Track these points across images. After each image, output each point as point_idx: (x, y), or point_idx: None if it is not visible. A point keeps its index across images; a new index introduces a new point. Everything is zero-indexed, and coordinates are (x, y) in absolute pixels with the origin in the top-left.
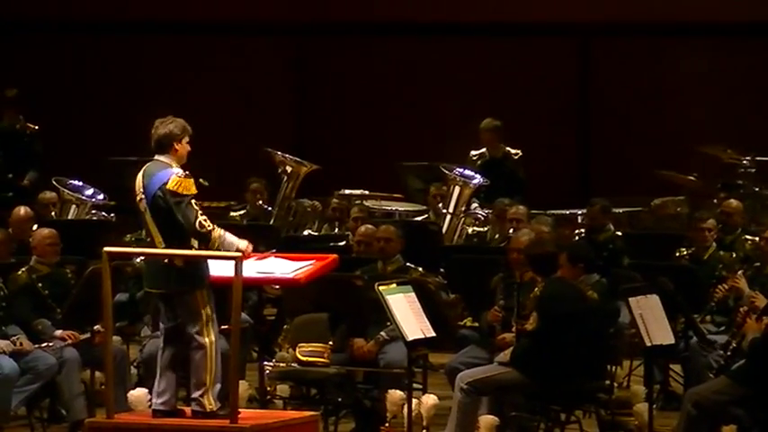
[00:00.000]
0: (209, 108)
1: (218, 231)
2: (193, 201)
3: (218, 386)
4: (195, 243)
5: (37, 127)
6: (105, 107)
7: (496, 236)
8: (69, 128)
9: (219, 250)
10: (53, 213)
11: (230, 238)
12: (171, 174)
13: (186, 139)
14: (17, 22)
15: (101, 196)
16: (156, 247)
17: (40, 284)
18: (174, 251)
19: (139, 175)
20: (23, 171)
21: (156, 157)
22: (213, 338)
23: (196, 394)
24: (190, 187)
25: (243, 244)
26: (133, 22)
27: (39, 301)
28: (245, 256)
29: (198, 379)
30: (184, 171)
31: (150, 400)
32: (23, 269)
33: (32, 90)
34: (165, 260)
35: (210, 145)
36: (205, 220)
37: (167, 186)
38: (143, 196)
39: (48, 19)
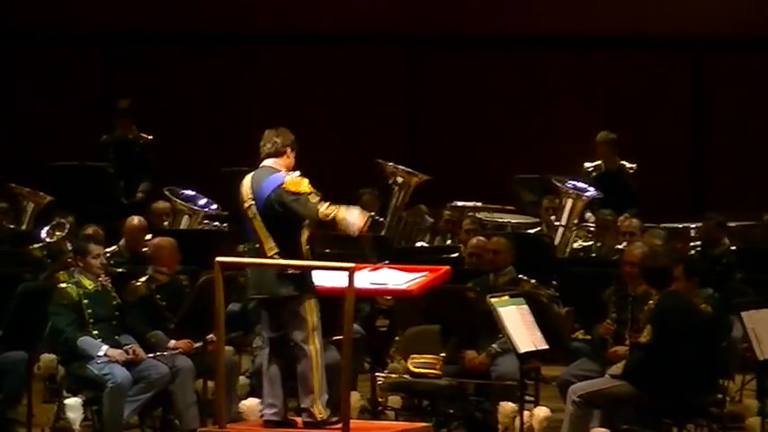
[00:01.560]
0: (322, 119)
1: (342, 213)
2: (310, 196)
3: (326, 396)
4: (305, 247)
5: (150, 137)
6: (218, 117)
7: (598, 244)
8: (183, 138)
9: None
10: (166, 223)
11: (350, 218)
12: (283, 176)
13: (294, 151)
14: (133, 33)
15: (213, 206)
16: (264, 252)
17: (158, 296)
18: (287, 261)
19: (246, 182)
20: (137, 181)
21: (265, 163)
22: (318, 347)
23: (306, 404)
24: (305, 185)
25: (360, 219)
26: (247, 34)
27: (154, 313)
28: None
29: (305, 388)
30: (297, 172)
31: (262, 409)
32: (143, 280)
33: (146, 100)
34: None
35: (323, 156)
36: (326, 208)
37: (283, 187)
38: (252, 202)
39: (163, 30)
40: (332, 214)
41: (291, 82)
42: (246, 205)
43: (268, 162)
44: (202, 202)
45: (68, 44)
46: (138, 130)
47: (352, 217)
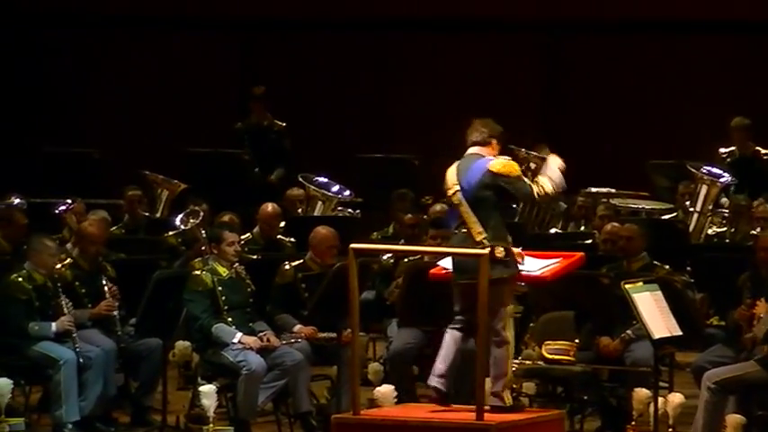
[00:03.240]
0: (456, 105)
1: (549, 186)
2: (520, 177)
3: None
4: (508, 236)
5: (285, 124)
6: (353, 104)
7: (732, 230)
8: (317, 125)
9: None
10: (300, 210)
11: (558, 181)
12: (489, 160)
13: (500, 144)
14: (265, 20)
15: (347, 192)
16: (472, 237)
17: (302, 285)
18: (423, 248)
19: (452, 170)
20: (271, 168)
21: (471, 150)
22: (512, 334)
23: (497, 388)
24: (515, 167)
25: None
26: (384, 19)
27: (293, 299)
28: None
29: (499, 373)
30: (507, 157)
31: (396, 396)
32: (292, 264)
33: (282, 87)
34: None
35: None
36: (536, 184)
37: (492, 170)
38: (457, 189)
39: (295, 17)
40: (543, 191)
41: (426, 68)
42: (451, 192)
43: (473, 150)
44: (336, 188)
45: (207, 32)
46: (272, 117)
47: (558, 179)
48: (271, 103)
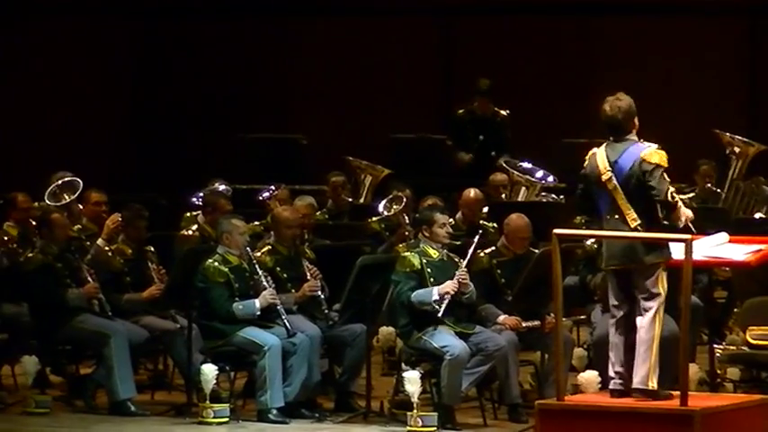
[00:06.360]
0: (659, 89)
1: (681, 207)
2: (665, 173)
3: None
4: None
5: (507, 112)
6: (554, 87)
7: None
8: (523, 111)
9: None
10: (503, 195)
11: (685, 210)
12: (644, 147)
13: (636, 117)
14: (469, 5)
15: (550, 178)
16: (627, 223)
17: (498, 271)
18: (620, 233)
19: (601, 155)
20: (491, 157)
21: (618, 135)
22: (662, 319)
23: (642, 374)
24: (665, 159)
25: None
26: (591, 3)
27: (491, 286)
28: (693, 237)
29: (645, 359)
30: (656, 145)
31: (600, 382)
32: (488, 251)
33: (483, 72)
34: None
35: (661, 126)
36: (675, 192)
37: (644, 158)
38: (610, 174)
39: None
40: (677, 199)
41: (629, 52)
42: (605, 177)
43: (621, 134)
44: (540, 174)
45: (408, 17)
46: (494, 106)
47: (687, 211)
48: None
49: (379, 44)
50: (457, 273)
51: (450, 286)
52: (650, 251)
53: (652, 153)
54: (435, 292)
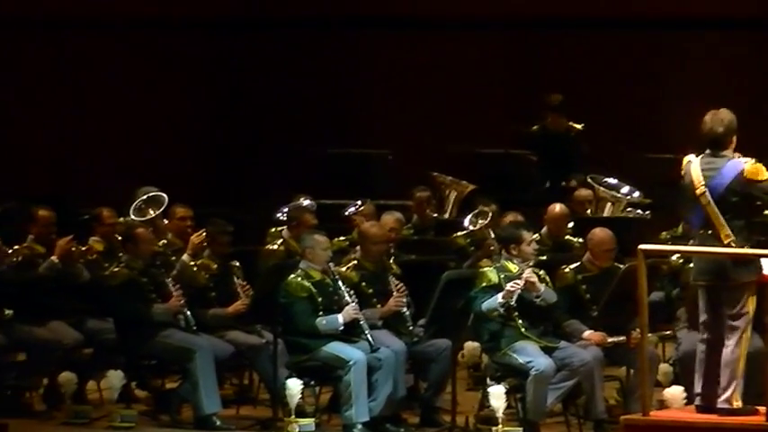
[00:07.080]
0: (739, 104)
1: None
2: None
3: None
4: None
5: (581, 126)
6: (632, 103)
7: None
8: (604, 125)
9: None
10: (588, 211)
11: None
12: (742, 163)
13: (735, 135)
14: (555, 19)
15: (636, 193)
16: (720, 239)
17: (583, 286)
18: (713, 249)
19: (696, 168)
20: (564, 173)
21: (716, 149)
22: (749, 337)
23: (728, 394)
24: (765, 172)
25: None
26: (647, 19)
27: (576, 302)
28: None
29: (730, 376)
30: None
31: (686, 398)
32: (572, 267)
33: (568, 88)
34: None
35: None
36: None
37: (745, 175)
38: (704, 189)
39: (575, 15)
40: None
41: (701, 67)
42: (699, 192)
43: (717, 149)
44: (625, 189)
45: (488, 31)
46: (567, 121)
47: None
48: (567, 110)
49: (458, 59)
50: (524, 273)
51: (512, 286)
52: (740, 270)
53: (754, 169)
54: (500, 296)
